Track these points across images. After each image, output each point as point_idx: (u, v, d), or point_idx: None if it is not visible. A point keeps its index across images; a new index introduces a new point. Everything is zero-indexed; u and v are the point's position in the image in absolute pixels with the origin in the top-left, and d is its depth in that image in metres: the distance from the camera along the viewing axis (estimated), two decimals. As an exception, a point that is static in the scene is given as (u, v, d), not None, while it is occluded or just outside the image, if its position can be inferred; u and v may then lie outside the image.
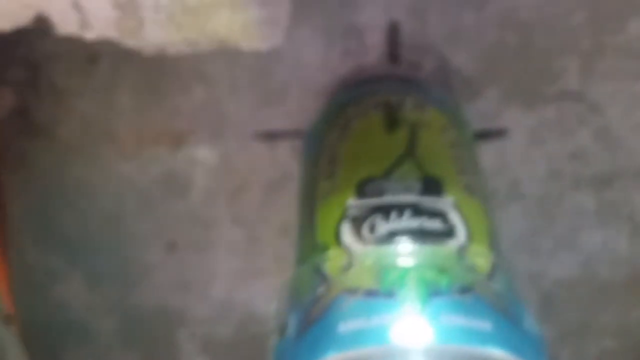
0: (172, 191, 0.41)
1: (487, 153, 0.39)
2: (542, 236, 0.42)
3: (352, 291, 0.25)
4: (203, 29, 0.27)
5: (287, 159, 0.40)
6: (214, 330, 0.44)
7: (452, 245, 0.27)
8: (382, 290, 0.24)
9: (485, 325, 0.24)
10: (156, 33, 0.28)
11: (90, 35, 0.29)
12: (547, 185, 0.41)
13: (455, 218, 0.28)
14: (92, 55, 0.38)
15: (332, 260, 0.27)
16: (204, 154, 0.40)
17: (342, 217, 0.28)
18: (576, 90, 0.39)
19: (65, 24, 0.29)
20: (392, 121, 0.32)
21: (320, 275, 0.26)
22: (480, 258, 0.26)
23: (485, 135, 0.39)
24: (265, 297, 0.41)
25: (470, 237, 0.27)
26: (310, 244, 0.29)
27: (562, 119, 0.39)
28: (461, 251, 0.26)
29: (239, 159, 0.40)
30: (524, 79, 0.38)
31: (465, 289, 0.25)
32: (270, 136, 0.39)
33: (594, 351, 0.45)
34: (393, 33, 0.37)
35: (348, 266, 0.26)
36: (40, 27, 0.29)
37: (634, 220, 0.42)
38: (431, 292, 0.24)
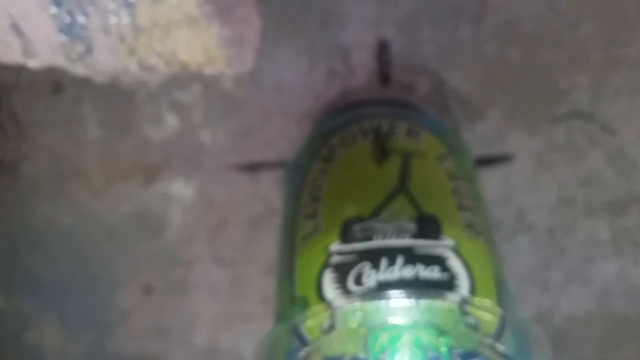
0: (146, 230, 0.39)
1: (491, 181, 0.37)
2: (552, 269, 0.40)
3: (334, 359, 0.21)
4: (159, 51, 0.23)
5: (270, 192, 0.37)
6: (197, 380, 0.42)
7: (453, 299, 0.23)
8: (370, 359, 0.21)
9: (493, 398, 0.20)
10: (107, 58, 0.24)
11: (34, 63, 0.25)
12: (557, 214, 0.38)
13: (456, 265, 0.24)
14: (56, 85, 0.36)
15: (313, 319, 0.23)
16: (179, 188, 0.38)
17: (325, 265, 0.25)
18: (586, 110, 0.36)
19: (7, 51, 0.25)
20: (381, 151, 0.29)
21: (298, 337, 0.23)
22: (486, 313, 0.23)
23: (487, 161, 0.36)
24: (251, 343, 0.38)
25: (474, 287, 0.24)
26: (289, 297, 0.25)
27: (571, 141, 0.37)
28: (464, 306, 0.23)
29: (218, 193, 0.38)
30: (529, 99, 0.36)
31: (469, 355, 0.21)
32: (252, 167, 0.37)
33: (611, 393, 0.42)
34: (382, 52, 0.34)
35: (330, 327, 0.22)
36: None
37: (652, 249, 0.39)
38: (429, 359, 0.20)
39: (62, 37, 0.25)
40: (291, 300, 0.25)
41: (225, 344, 0.41)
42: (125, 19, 0.24)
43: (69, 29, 0.25)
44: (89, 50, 0.25)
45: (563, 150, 0.37)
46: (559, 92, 0.36)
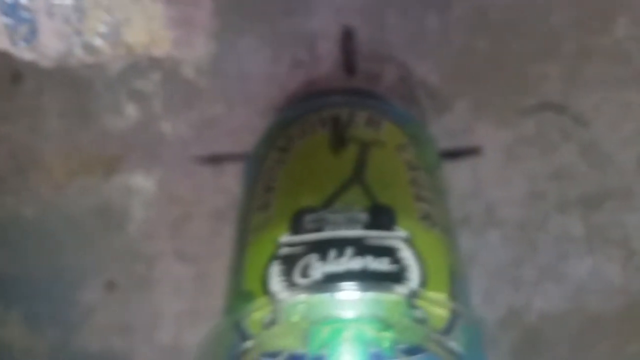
0: (108, 224, 0.38)
1: (459, 174, 0.36)
2: (524, 265, 0.39)
3: (273, 355, 0.20)
4: (103, 33, 0.23)
5: (234, 185, 0.36)
6: (161, 378, 0.41)
7: (401, 291, 0.22)
8: (309, 354, 0.20)
9: (438, 395, 0.19)
10: (52, 41, 0.23)
11: (-23, 48, 0.24)
12: (528, 209, 0.37)
13: (407, 256, 0.23)
14: (15, 75, 0.35)
15: (256, 313, 0.22)
16: (140, 181, 0.37)
17: (272, 257, 0.24)
18: (558, 101, 0.36)
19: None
20: (339, 140, 0.28)
21: (240, 332, 0.22)
22: (436, 307, 0.22)
23: (455, 154, 0.36)
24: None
25: (425, 280, 0.23)
26: (236, 291, 0.24)
27: (542, 133, 0.36)
28: (412, 299, 0.22)
29: (180, 186, 0.37)
30: (498, 90, 0.35)
31: (413, 350, 0.20)
32: (215, 159, 0.36)
33: (586, 391, 0.42)
34: (347, 40, 0.33)
35: (272, 321, 0.21)
36: None
37: (626, 245, 0.39)
38: (370, 354, 0.20)
39: (5, 19, 0.24)
40: (238, 294, 0.24)
41: (190, 340, 0.40)
42: (68, 0, 0.23)
43: (12, 11, 0.24)
44: (33, 32, 0.24)
45: (534, 143, 0.36)
46: (530, 83, 0.35)
